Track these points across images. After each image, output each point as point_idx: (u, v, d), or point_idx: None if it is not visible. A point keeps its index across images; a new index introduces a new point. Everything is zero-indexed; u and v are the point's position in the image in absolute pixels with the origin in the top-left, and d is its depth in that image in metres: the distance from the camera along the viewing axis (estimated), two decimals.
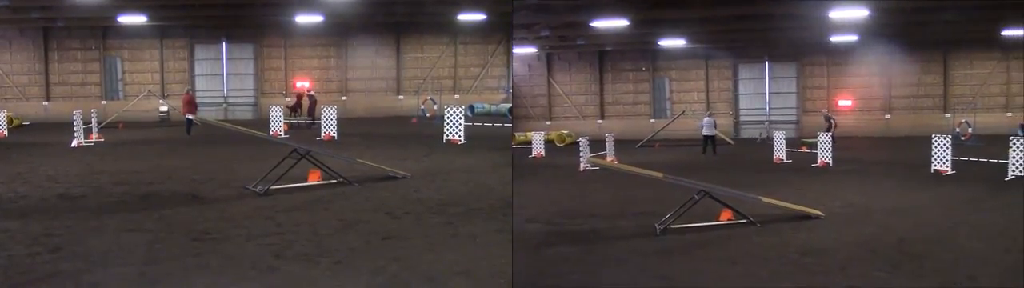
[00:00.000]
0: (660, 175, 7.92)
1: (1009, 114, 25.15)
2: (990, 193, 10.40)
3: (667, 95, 28.30)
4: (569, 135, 23.31)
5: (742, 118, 27.73)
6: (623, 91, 28.61)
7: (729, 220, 7.91)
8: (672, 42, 24.08)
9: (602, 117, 28.55)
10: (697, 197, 7.69)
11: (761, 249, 6.77)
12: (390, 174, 9.75)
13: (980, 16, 18.99)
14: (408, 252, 5.92)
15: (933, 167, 13.08)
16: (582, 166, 14.24)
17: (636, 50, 27.59)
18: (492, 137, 15.77)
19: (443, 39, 28.07)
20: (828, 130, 20.57)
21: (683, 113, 25.13)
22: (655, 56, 27.84)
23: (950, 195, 10.23)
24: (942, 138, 13.16)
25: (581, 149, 14.23)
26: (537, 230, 7.77)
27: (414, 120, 22.99)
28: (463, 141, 14.69)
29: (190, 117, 15.52)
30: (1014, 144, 12.00)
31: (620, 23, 18.99)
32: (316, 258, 5.72)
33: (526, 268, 5.80)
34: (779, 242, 7.04)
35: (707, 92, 27.86)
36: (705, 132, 19.31)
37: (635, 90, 28.49)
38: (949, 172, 12.81)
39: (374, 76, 28.08)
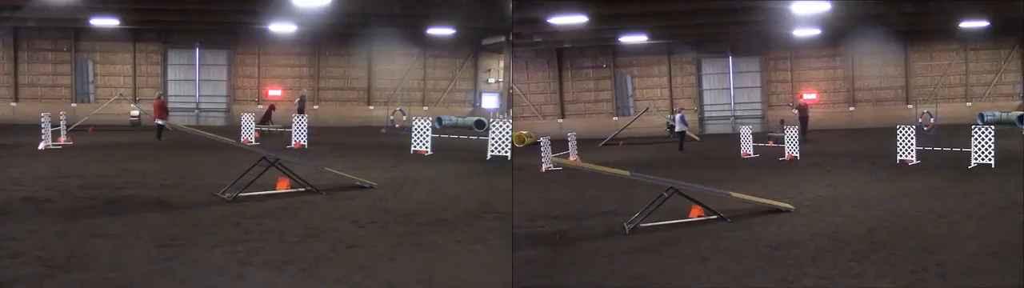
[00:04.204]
0: (626, 173, 8.02)
1: (969, 104, 26.25)
2: (954, 181, 10.85)
3: (629, 92, 28.68)
4: (529, 135, 23.43)
5: (707, 113, 28.27)
6: (584, 89, 28.89)
7: (699, 216, 8.07)
8: (633, 38, 24.43)
9: (563, 116, 28.78)
10: (666, 194, 7.83)
11: (732, 244, 6.94)
12: (357, 183, 10.07)
13: (938, 8, 19.77)
14: (372, 261, 6.08)
15: (899, 157, 13.58)
16: (544, 166, 14.33)
17: (596, 47, 27.90)
18: (458, 149, 16.30)
19: (413, 52, 29.03)
20: (803, 121, 21.04)
21: (647, 110, 25.48)
22: (615, 52, 28.20)
23: (916, 184, 10.64)
24: (906, 129, 13.67)
25: (543, 149, 14.33)
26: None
27: (383, 130, 23.61)
28: (430, 152, 15.26)
29: (160, 122, 15.87)
30: (975, 133, 12.53)
31: (578, 19, 19.17)
32: (282, 266, 5.84)
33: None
34: (750, 237, 7.22)
35: (670, 88, 28.33)
36: (678, 128, 19.76)
37: (596, 88, 28.80)
38: (914, 162, 13.29)
39: (346, 86, 29.00)
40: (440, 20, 23.46)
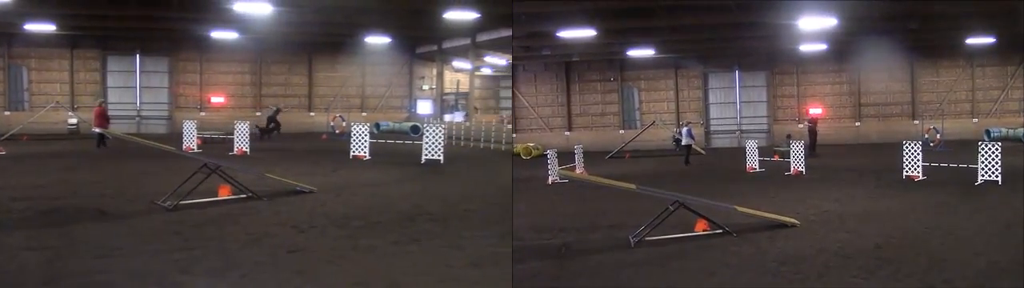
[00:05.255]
0: (633, 186, 7.99)
1: (975, 120, 26.15)
2: (961, 198, 10.75)
3: (636, 105, 28.72)
4: (536, 147, 23.45)
5: (713, 127, 28.24)
6: (591, 102, 28.96)
7: (705, 230, 8.01)
8: (640, 52, 24.54)
9: (570, 129, 28.81)
10: (671, 208, 7.79)
11: (738, 259, 6.87)
12: (298, 189, 10.21)
13: (944, 24, 19.80)
14: (311, 265, 6.16)
15: (905, 173, 13.49)
16: (551, 179, 14.31)
17: (604, 60, 28.04)
18: (395, 153, 16.91)
19: (352, 60, 30.04)
20: (813, 135, 21.03)
21: (653, 123, 25.48)
22: (623, 66, 28.31)
23: (922, 200, 10.54)
24: (912, 144, 13.60)
25: (549, 161, 14.33)
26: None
27: (324, 136, 24.12)
28: (368, 157, 15.82)
29: (98, 130, 15.35)
30: (982, 149, 12.46)
31: (587, 33, 19.27)
32: (223, 273, 5.81)
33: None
34: (756, 251, 7.15)
35: (677, 102, 28.36)
36: (684, 141, 19.72)
37: (603, 100, 28.86)
38: (921, 178, 13.21)
39: (287, 93, 29.80)
40: (377, 29, 24.32)
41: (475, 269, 6.21)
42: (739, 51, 26.15)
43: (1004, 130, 23.40)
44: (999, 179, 12.23)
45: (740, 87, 28.05)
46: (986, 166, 12.41)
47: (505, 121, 25.63)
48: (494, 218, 8.80)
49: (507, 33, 23.59)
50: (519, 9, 17.37)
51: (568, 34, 19.48)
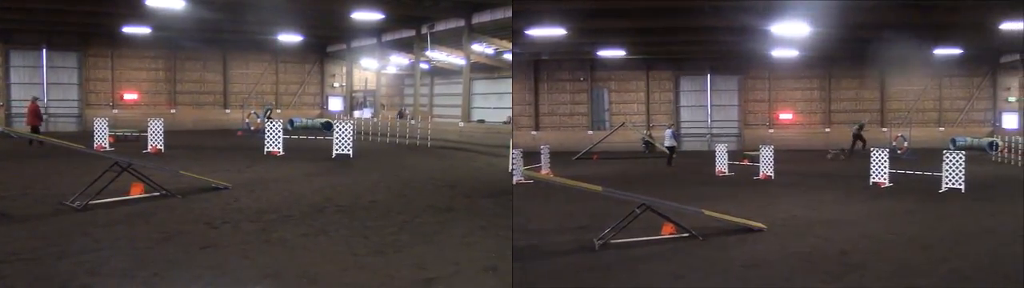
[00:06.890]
0: (598, 188, 7.98)
1: (941, 129, 26.94)
2: (926, 205, 11.03)
3: (606, 106, 28.85)
4: None
5: (683, 130, 28.53)
6: (559, 101, 29.00)
7: (671, 234, 8.05)
8: (611, 52, 24.65)
9: (537, 128, 28.82)
10: (638, 211, 7.80)
11: (704, 263, 6.92)
12: (212, 185, 10.44)
13: (915, 35, 20.32)
14: (224, 260, 6.28)
15: (871, 180, 13.78)
16: (515, 179, 14.26)
17: (574, 60, 28.09)
18: (307, 149, 17.54)
19: (265, 57, 30.93)
20: (854, 144, 21.70)
21: (623, 125, 25.62)
22: (594, 66, 28.42)
23: (888, 207, 10.77)
24: (880, 151, 13.90)
25: (514, 161, 14.28)
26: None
27: (240, 133, 24.41)
28: (282, 153, 16.52)
29: (2, 129, 14.46)
30: (947, 158, 12.79)
31: (557, 32, 19.27)
32: (133, 272, 5.78)
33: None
34: (722, 255, 7.21)
35: (648, 104, 28.57)
36: (667, 143, 20.08)
37: (572, 101, 28.93)
38: (887, 184, 13.50)
39: (202, 90, 30.00)
40: (288, 28, 24.81)
41: (379, 256, 6.46)
42: (712, 55, 26.46)
43: (969, 139, 24.04)
44: (962, 187, 12.57)
45: (711, 91, 28.40)
46: (950, 174, 12.74)
47: (407, 116, 26.45)
48: (397, 208, 9.16)
49: (410, 34, 25.43)
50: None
51: (537, 32, 19.43)
